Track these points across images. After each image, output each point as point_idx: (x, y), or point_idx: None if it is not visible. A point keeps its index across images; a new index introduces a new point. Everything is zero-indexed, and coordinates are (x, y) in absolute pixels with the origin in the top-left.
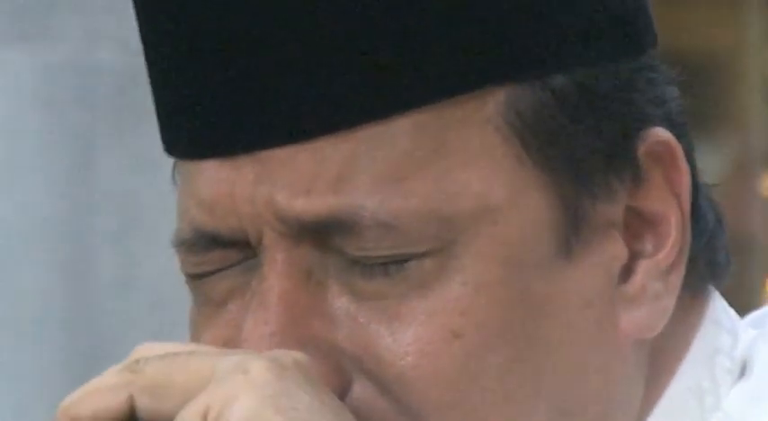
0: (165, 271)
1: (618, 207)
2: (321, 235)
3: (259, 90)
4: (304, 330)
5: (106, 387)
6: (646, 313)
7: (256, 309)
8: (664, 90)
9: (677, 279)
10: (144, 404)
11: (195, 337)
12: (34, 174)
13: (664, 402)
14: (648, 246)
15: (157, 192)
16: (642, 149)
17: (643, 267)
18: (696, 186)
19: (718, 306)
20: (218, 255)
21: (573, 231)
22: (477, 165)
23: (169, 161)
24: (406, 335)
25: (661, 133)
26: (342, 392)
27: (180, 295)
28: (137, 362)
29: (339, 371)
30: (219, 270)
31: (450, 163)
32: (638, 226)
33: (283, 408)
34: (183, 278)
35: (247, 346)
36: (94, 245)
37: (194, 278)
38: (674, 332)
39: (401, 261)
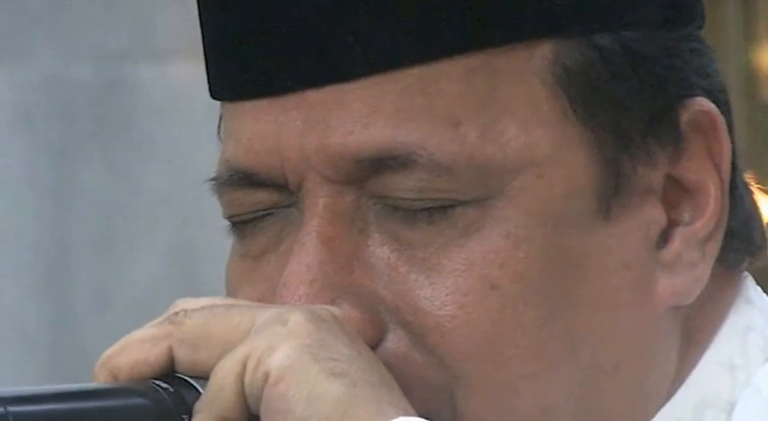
0: (146, 283)
1: (657, 173)
2: (370, 175)
3: (310, 29)
4: (344, 278)
5: (145, 338)
6: (682, 280)
7: (298, 252)
8: (708, 63)
9: (714, 249)
10: (182, 355)
11: (231, 292)
12: (14, 190)
13: (696, 373)
14: (686, 214)
15: (136, 204)
16: (685, 117)
17: (681, 235)
18: (734, 165)
19: (749, 285)
20: (250, 194)
21: (613, 191)
22: (524, 117)
23: (144, 172)
24: (445, 286)
25: (703, 103)
26: (376, 342)
27: (160, 308)
28: (176, 314)
29: (375, 320)
30: (254, 215)
31: (498, 112)
32: (676, 194)
33: (321, 358)
34: (163, 291)
35: (286, 291)
36: (75, 259)
37: (233, 225)
38: (707, 304)
39: (446, 207)
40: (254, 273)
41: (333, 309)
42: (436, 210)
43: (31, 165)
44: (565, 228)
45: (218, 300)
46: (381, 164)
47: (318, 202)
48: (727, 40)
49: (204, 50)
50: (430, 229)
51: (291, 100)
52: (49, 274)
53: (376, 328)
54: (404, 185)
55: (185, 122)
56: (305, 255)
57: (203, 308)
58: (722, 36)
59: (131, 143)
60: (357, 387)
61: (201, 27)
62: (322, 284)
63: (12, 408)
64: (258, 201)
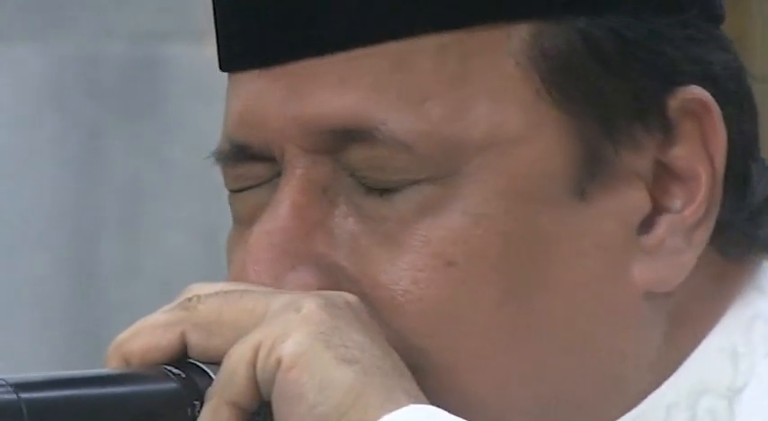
0: (170, 259)
1: (644, 158)
2: (341, 148)
3: (293, 3)
4: (307, 246)
5: (158, 324)
6: (661, 267)
7: (266, 219)
8: (708, 52)
9: (701, 237)
10: (195, 341)
11: (228, 258)
12: (43, 164)
13: (692, 360)
14: (677, 201)
15: (162, 181)
16: (673, 104)
17: (666, 221)
18: (754, 157)
19: (764, 275)
20: (249, 168)
21: (589, 173)
22: (495, 96)
23: (172, 149)
24: (403, 261)
25: (696, 91)
26: None
27: (185, 283)
28: (189, 299)
29: (335, 289)
30: (251, 187)
31: (468, 91)
32: (668, 181)
33: (334, 345)
34: (187, 266)
35: (248, 256)
36: (100, 234)
37: (232, 194)
38: (704, 293)
39: (406, 185)
40: (243, 237)
41: (348, 295)
42: (396, 187)
43: (60, 141)
44: (534, 207)
45: (232, 286)
46: (349, 136)
47: (295, 172)
48: (754, 36)
49: (215, 26)
50: (390, 205)
51: (277, 72)
52: (74, 249)
53: None
54: (367, 160)
55: (218, 101)
56: (269, 222)
57: (217, 293)
58: (748, 32)
59: (163, 121)
60: (368, 374)
61: (212, 3)
62: (282, 250)
63: (24, 395)
64: (256, 175)
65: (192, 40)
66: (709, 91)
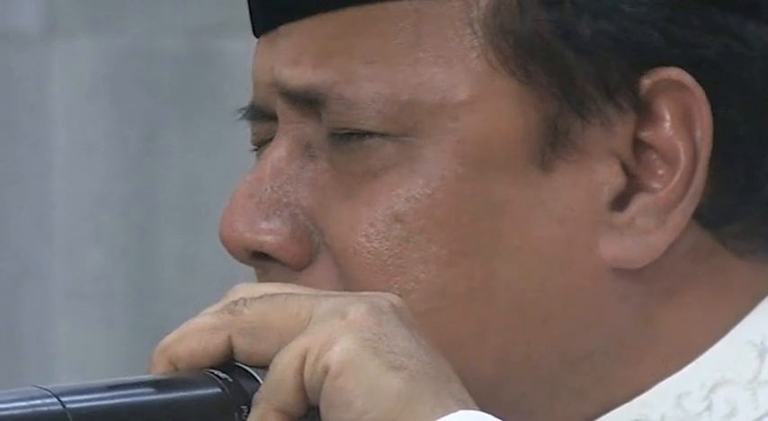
0: (228, 254)
1: (619, 136)
2: (311, 108)
3: None
4: (282, 197)
5: (204, 327)
6: (628, 244)
7: (251, 172)
8: (699, 35)
9: (677, 220)
10: (241, 345)
11: None
12: (100, 158)
13: (715, 353)
14: (660, 181)
15: (219, 174)
16: (646, 84)
17: (640, 200)
18: None
19: None
20: (262, 126)
21: (549, 145)
22: (448, 62)
23: (230, 144)
24: (358, 214)
25: (672, 72)
26: (305, 262)
27: (243, 278)
28: (235, 303)
29: (305, 240)
30: (265, 142)
31: (422, 56)
32: (653, 160)
33: (381, 351)
34: None
35: (230, 205)
36: (158, 226)
37: (255, 151)
38: (700, 283)
39: (362, 135)
40: None
41: (392, 297)
42: (356, 140)
43: (118, 136)
44: (485, 173)
45: (277, 287)
46: (310, 100)
47: (283, 129)
48: None
49: None
50: (357, 160)
51: (268, 38)
52: (133, 244)
53: (305, 249)
54: (332, 120)
55: None
56: (253, 174)
57: (262, 296)
58: None
59: (221, 116)
60: (416, 380)
61: None
62: (259, 200)
63: (70, 405)
64: (267, 131)
65: (250, 33)
66: (697, 74)
